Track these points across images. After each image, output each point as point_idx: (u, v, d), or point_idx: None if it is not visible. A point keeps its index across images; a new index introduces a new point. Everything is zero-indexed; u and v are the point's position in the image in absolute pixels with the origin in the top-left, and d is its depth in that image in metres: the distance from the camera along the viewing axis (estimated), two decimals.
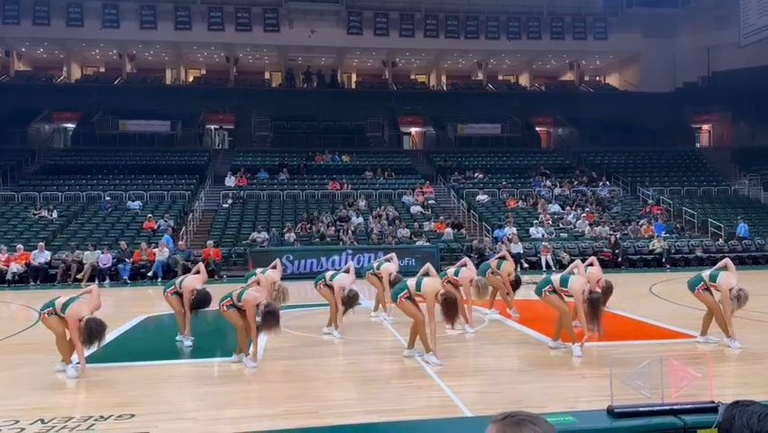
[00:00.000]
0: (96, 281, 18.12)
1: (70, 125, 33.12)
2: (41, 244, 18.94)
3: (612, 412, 3.27)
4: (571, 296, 7.72)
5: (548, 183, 28.00)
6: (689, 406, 3.23)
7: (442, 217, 23.70)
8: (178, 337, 8.66)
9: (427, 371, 6.81)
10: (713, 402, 3.23)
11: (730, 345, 7.67)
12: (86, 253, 18.80)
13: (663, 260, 21.01)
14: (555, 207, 25.15)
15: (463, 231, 23.18)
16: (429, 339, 7.18)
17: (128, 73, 37.88)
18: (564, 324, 7.68)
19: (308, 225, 22.41)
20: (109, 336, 9.27)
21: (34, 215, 22.71)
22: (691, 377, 3.30)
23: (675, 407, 3.23)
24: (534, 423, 1.58)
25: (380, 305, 10.67)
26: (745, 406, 1.67)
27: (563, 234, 22.61)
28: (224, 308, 7.31)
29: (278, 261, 10.25)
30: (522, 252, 20.42)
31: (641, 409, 3.25)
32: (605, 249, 21.08)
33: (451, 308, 7.23)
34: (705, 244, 22.19)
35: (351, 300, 8.50)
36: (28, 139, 30.93)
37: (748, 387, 5.92)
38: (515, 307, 10.41)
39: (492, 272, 10.38)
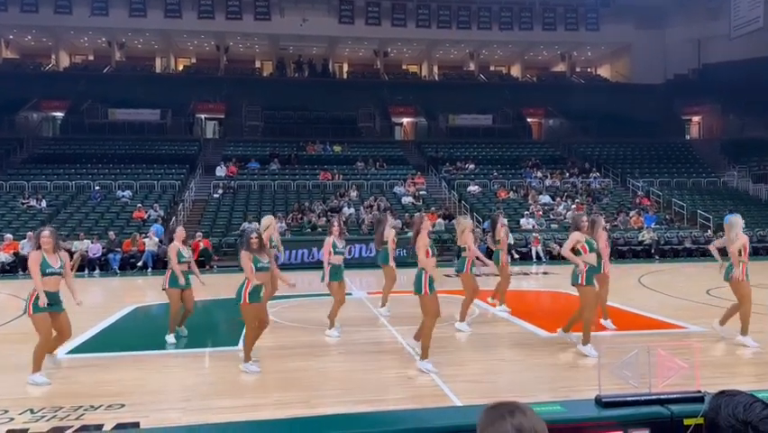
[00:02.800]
0: (86, 270, 18.08)
1: (59, 114, 32.83)
2: (29, 233, 18.76)
3: (600, 402, 3.30)
4: None
5: (539, 174, 28.08)
6: (675, 396, 3.27)
7: (433, 208, 23.73)
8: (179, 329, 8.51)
9: (418, 360, 6.83)
10: (699, 392, 3.26)
11: (721, 334, 7.72)
12: (75, 242, 18.71)
13: (653, 251, 21.18)
14: (546, 199, 25.24)
15: (454, 222, 23.20)
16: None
17: (117, 61, 37.52)
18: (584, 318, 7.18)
19: (299, 216, 22.38)
20: (99, 326, 9.29)
21: (23, 204, 22.54)
22: (678, 367, 3.34)
23: (662, 396, 3.26)
24: (519, 411, 1.59)
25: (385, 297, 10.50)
26: (731, 396, 1.69)
27: (554, 226, 22.70)
28: (247, 299, 6.65)
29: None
30: (512, 243, 20.46)
31: (628, 398, 3.28)
32: None
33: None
34: (694, 236, 22.36)
35: None
36: (16, 127, 30.68)
37: (734, 377, 6.00)
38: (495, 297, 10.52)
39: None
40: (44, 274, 6.31)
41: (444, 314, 9.48)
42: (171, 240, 8.49)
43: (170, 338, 8.14)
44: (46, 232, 6.50)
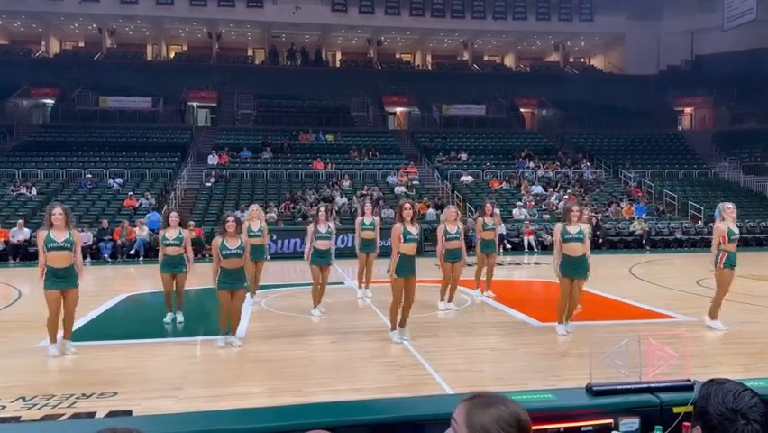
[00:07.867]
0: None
1: (49, 101, 32.52)
2: (20, 221, 18.68)
3: (591, 390, 3.33)
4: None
5: (531, 165, 28.12)
6: (665, 384, 3.29)
7: (425, 198, 23.72)
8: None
9: (409, 349, 6.87)
10: (689, 381, 3.29)
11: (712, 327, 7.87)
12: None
13: (644, 241, 21.28)
14: (538, 189, 25.29)
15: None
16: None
17: (108, 48, 37.16)
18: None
19: (292, 205, 22.34)
20: (91, 315, 9.26)
21: (13, 192, 22.37)
22: (669, 356, 3.37)
23: (652, 385, 3.29)
24: (504, 405, 1.57)
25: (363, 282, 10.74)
26: (721, 384, 1.71)
27: (546, 216, 22.76)
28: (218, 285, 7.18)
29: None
30: (505, 233, 20.53)
31: (619, 387, 3.31)
32: None
33: None
34: (685, 227, 22.49)
35: None
36: (6, 114, 30.37)
37: (723, 366, 6.07)
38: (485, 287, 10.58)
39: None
40: (48, 250, 6.52)
41: (434, 301, 9.56)
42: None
43: (179, 316, 8.60)
44: (58, 209, 6.65)
